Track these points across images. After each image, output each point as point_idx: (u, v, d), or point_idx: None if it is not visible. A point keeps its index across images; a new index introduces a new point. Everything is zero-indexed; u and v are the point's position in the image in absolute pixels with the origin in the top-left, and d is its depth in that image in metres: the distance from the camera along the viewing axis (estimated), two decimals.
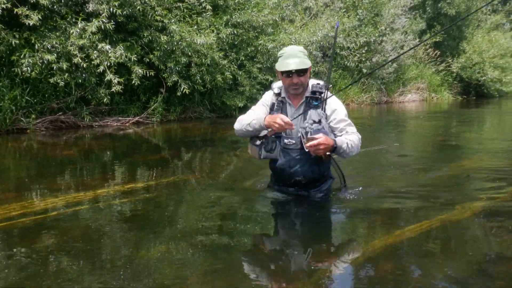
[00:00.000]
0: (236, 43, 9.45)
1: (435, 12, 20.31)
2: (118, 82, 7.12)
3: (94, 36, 6.93)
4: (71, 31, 6.82)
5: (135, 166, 4.64)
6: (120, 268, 2.01)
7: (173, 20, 7.98)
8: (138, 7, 7.42)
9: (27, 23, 6.42)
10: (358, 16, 14.27)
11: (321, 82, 2.81)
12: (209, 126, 8.68)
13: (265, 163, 3.14)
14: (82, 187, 3.60)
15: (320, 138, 2.47)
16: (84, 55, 6.91)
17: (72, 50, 6.76)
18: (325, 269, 2.03)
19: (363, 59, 14.76)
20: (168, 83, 8.14)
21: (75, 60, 6.74)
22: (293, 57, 2.67)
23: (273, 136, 2.78)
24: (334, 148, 2.57)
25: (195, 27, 8.39)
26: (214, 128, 8.46)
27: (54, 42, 6.68)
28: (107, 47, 7.01)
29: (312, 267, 2.05)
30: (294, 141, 2.76)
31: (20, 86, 6.81)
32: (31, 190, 3.55)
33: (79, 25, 6.85)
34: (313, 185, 2.93)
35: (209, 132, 7.98)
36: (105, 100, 7.36)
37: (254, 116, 2.77)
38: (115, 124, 7.98)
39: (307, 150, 2.56)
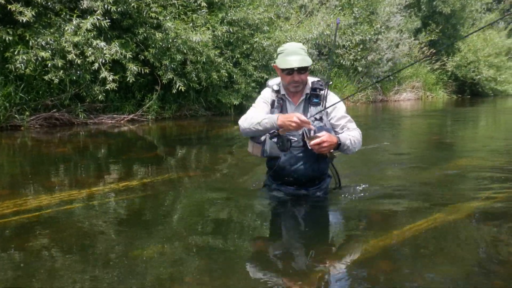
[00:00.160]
0: (231, 40, 9.43)
1: (430, 10, 20.38)
2: (113, 79, 7.08)
3: (89, 33, 6.89)
4: (66, 28, 6.78)
5: (130, 164, 4.62)
6: (114, 267, 2.00)
7: (168, 17, 7.95)
8: (132, 4, 7.38)
9: (20, 20, 6.38)
10: (353, 14, 14.29)
11: (320, 80, 2.80)
12: (204, 124, 8.67)
13: (260, 161, 3.11)
14: (76, 185, 3.58)
15: (323, 136, 2.45)
16: (79, 52, 6.87)
17: (66, 47, 6.72)
18: (322, 269, 2.03)
19: (359, 57, 14.82)
20: (163, 81, 8.12)
21: (70, 57, 6.71)
22: (294, 54, 2.62)
23: (286, 134, 2.65)
24: (338, 145, 2.55)
25: (191, 24, 8.36)
26: (209, 126, 8.44)
27: (48, 39, 6.64)
28: (102, 44, 6.98)
29: (310, 267, 2.05)
30: (296, 139, 2.71)
31: (14, 83, 6.77)
32: (25, 187, 3.53)
33: (74, 22, 6.82)
34: (313, 183, 2.90)
35: (204, 130, 7.97)
36: (99, 97, 7.33)
37: (264, 115, 2.64)
38: (110, 121, 7.94)
39: (310, 149, 2.54)
